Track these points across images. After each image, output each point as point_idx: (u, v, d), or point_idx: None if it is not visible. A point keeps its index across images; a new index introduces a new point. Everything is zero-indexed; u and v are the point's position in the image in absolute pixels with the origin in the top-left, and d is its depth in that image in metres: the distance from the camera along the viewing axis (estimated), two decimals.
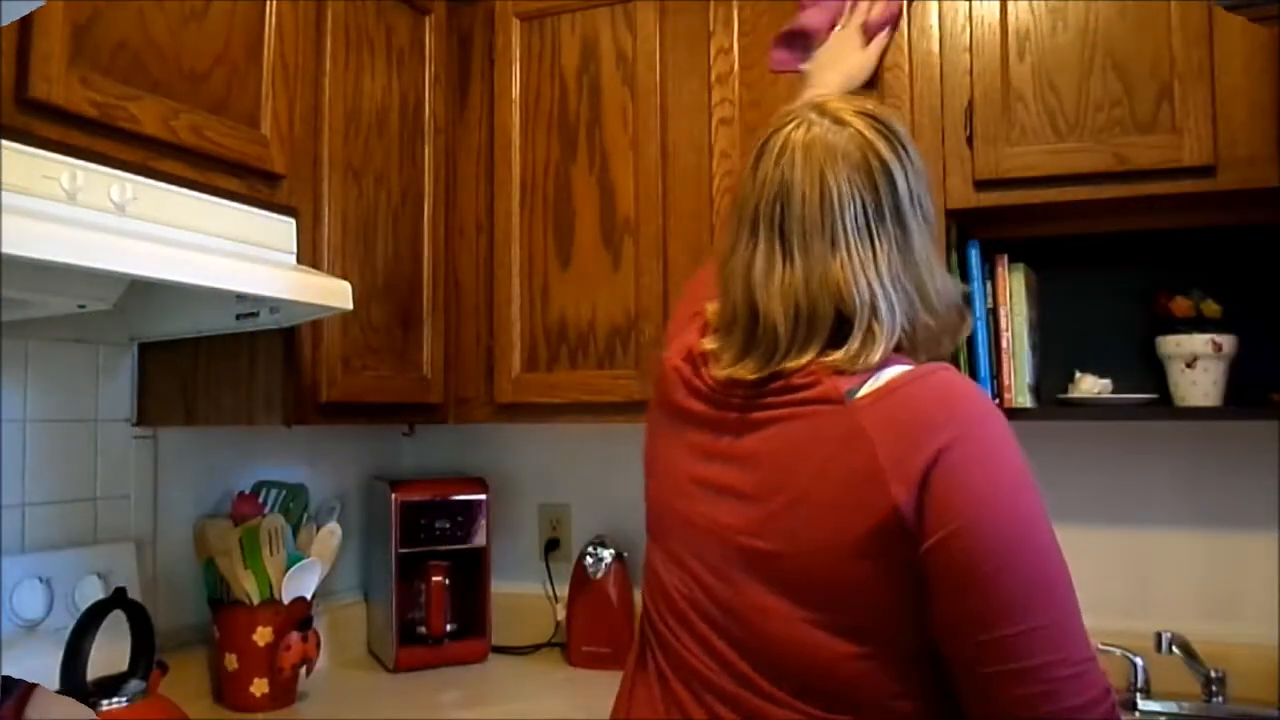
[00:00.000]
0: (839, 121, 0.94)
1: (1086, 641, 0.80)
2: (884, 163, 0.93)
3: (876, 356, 0.88)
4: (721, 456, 0.96)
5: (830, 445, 0.86)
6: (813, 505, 0.86)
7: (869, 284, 0.90)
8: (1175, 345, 1.61)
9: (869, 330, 0.89)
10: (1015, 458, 0.84)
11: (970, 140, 1.55)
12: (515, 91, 1.84)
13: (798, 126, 0.95)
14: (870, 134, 0.93)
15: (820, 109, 0.96)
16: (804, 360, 0.90)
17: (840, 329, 0.90)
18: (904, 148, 0.95)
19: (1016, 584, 0.79)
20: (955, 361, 1.59)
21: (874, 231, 0.91)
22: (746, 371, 0.93)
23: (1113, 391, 1.66)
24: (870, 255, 0.91)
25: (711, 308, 1.02)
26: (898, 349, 0.91)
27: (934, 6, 1.58)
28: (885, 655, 0.85)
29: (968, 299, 1.00)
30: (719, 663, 0.93)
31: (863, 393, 0.86)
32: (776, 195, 0.94)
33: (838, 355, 0.89)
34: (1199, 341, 1.58)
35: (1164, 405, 1.64)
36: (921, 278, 0.93)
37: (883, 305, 0.90)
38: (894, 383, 0.86)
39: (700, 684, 0.94)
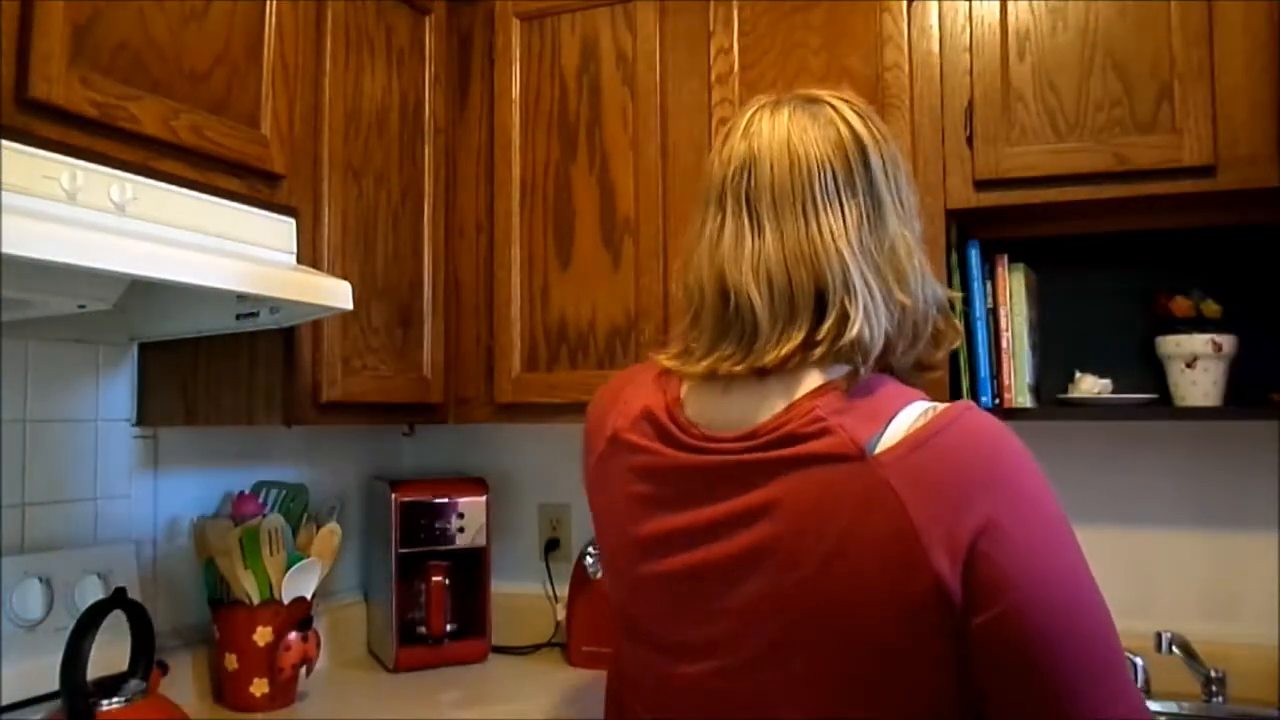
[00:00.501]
0: (812, 100, 0.90)
1: (1140, 699, 0.76)
2: (855, 133, 0.87)
3: (853, 333, 0.80)
4: (706, 531, 0.83)
5: (852, 510, 0.75)
6: (837, 586, 0.75)
7: (839, 252, 0.82)
8: (1175, 345, 1.61)
9: (842, 305, 0.82)
10: (1060, 512, 0.77)
11: (970, 140, 1.55)
12: (515, 91, 1.84)
13: (765, 106, 0.91)
14: (844, 109, 0.89)
15: (794, 94, 0.92)
16: (786, 349, 0.82)
17: (820, 309, 0.83)
18: (879, 131, 0.89)
19: (1084, 658, 0.73)
20: (955, 362, 1.59)
21: (843, 201, 0.84)
22: (729, 364, 0.84)
23: (1113, 391, 1.67)
24: (841, 225, 0.84)
25: (677, 298, 0.94)
26: (884, 351, 0.84)
27: (934, 6, 1.58)
28: None
29: (955, 308, 0.93)
30: None
31: (884, 445, 0.76)
32: (742, 166, 0.87)
33: (819, 343, 0.82)
34: (1199, 341, 1.58)
35: (1164, 405, 1.64)
36: (898, 256, 0.85)
37: (855, 276, 0.82)
38: (921, 434, 0.76)
39: None
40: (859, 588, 0.74)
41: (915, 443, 0.75)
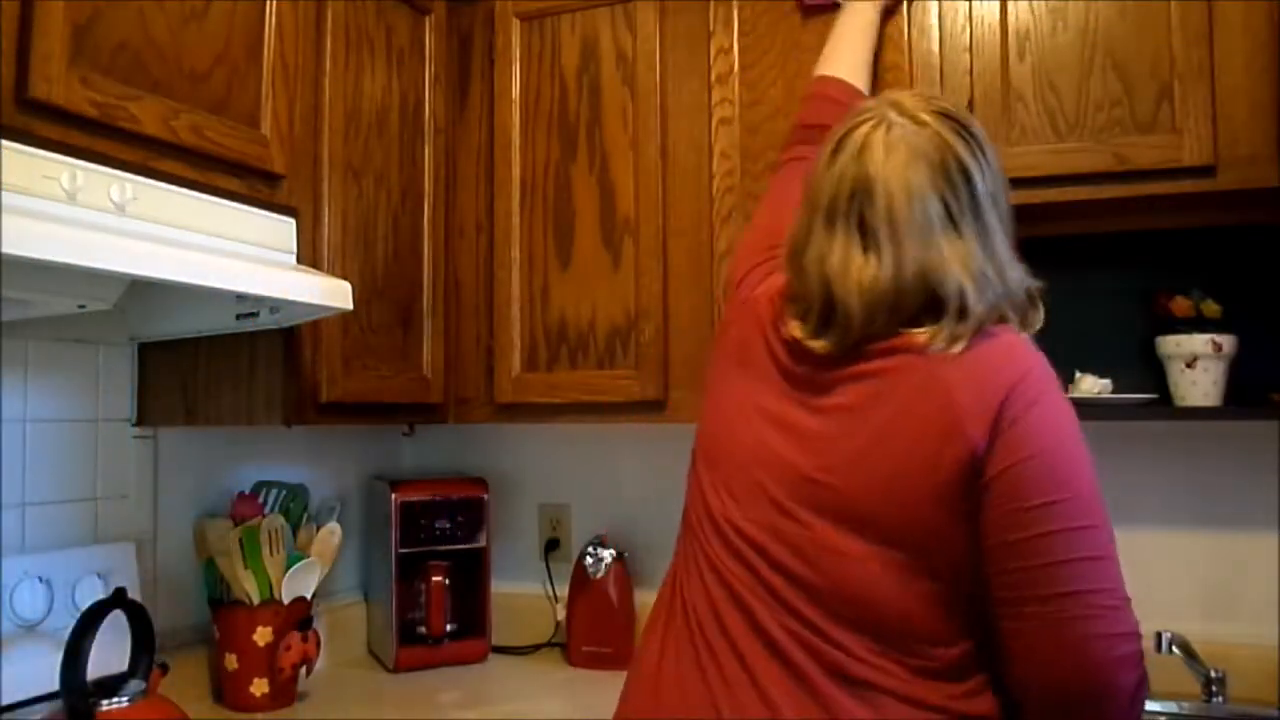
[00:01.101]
0: (918, 122, 0.97)
1: (1122, 582, 0.88)
2: (962, 164, 0.96)
3: (960, 347, 0.92)
4: (796, 399, 1.00)
5: (908, 391, 0.92)
6: (891, 447, 0.91)
7: (958, 275, 0.93)
8: (1175, 345, 1.61)
9: (961, 308, 0.93)
10: (1069, 408, 0.92)
11: None
12: (515, 91, 1.84)
13: (877, 125, 0.98)
14: (949, 135, 0.97)
15: (898, 108, 0.99)
16: (883, 340, 0.95)
17: (925, 312, 0.94)
18: (981, 149, 0.98)
19: (1069, 516, 0.86)
20: None
21: (958, 227, 0.95)
22: (823, 347, 0.97)
23: (1113, 391, 1.66)
24: (956, 249, 0.94)
25: (782, 279, 1.06)
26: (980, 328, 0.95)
27: (934, 6, 1.58)
28: (950, 595, 0.91)
29: (1042, 292, 1.05)
30: (774, 596, 0.95)
31: (938, 347, 0.92)
32: (854, 190, 0.96)
33: (921, 331, 0.94)
34: (1199, 341, 1.58)
35: (1164, 405, 1.64)
36: (1003, 268, 0.97)
37: (971, 296, 0.93)
38: (974, 340, 0.92)
39: (754, 615, 0.96)
40: (905, 451, 0.91)
41: (968, 344, 0.92)
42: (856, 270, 0.95)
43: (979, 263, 0.95)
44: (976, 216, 0.96)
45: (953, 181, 0.95)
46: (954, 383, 0.90)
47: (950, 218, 0.95)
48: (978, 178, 0.96)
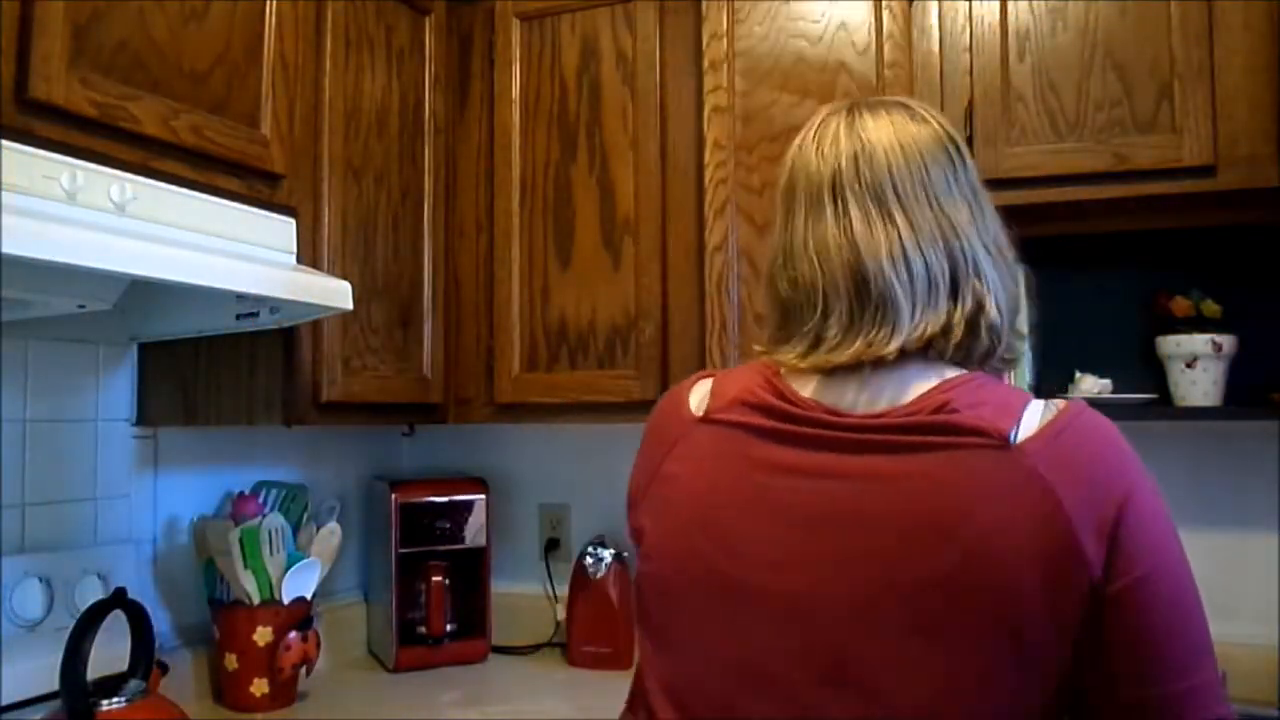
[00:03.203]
0: (897, 102, 0.92)
1: (1227, 700, 0.80)
2: (948, 131, 0.90)
3: (990, 315, 0.84)
4: (824, 474, 0.82)
5: (1002, 490, 0.77)
6: (992, 555, 0.76)
7: (968, 240, 0.86)
8: (1175, 345, 1.61)
9: (975, 289, 0.85)
10: (1163, 500, 0.81)
11: (970, 140, 1.54)
12: (515, 91, 1.84)
13: (851, 110, 0.92)
14: (924, 112, 0.91)
15: (865, 102, 0.93)
16: (929, 331, 0.83)
17: (954, 293, 0.85)
18: (961, 139, 0.93)
19: (1189, 637, 0.78)
20: None
21: (957, 193, 0.88)
22: (878, 346, 0.83)
23: (1113, 391, 1.66)
24: (966, 214, 0.87)
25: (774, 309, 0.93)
26: (990, 347, 0.86)
27: (934, 6, 1.58)
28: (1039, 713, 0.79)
29: (1033, 284, 0.99)
30: None
31: (1024, 436, 0.78)
32: (854, 160, 0.88)
33: (955, 326, 0.84)
34: (1199, 341, 1.58)
35: (1164, 405, 1.64)
36: (1001, 245, 0.90)
37: (984, 262, 0.86)
38: (1056, 425, 0.79)
39: None
40: (1008, 567, 0.75)
41: (1054, 433, 0.79)
42: (883, 239, 0.84)
43: (984, 235, 0.88)
44: (973, 190, 0.89)
45: (949, 153, 0.89)
46: (1060, 487, 0.76)
47: (950, 184, 0.87)
48: (968, 155, 0.91)
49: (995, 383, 0.86)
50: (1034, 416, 0.80)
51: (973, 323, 0.84)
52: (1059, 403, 0.82)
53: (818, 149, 0.90)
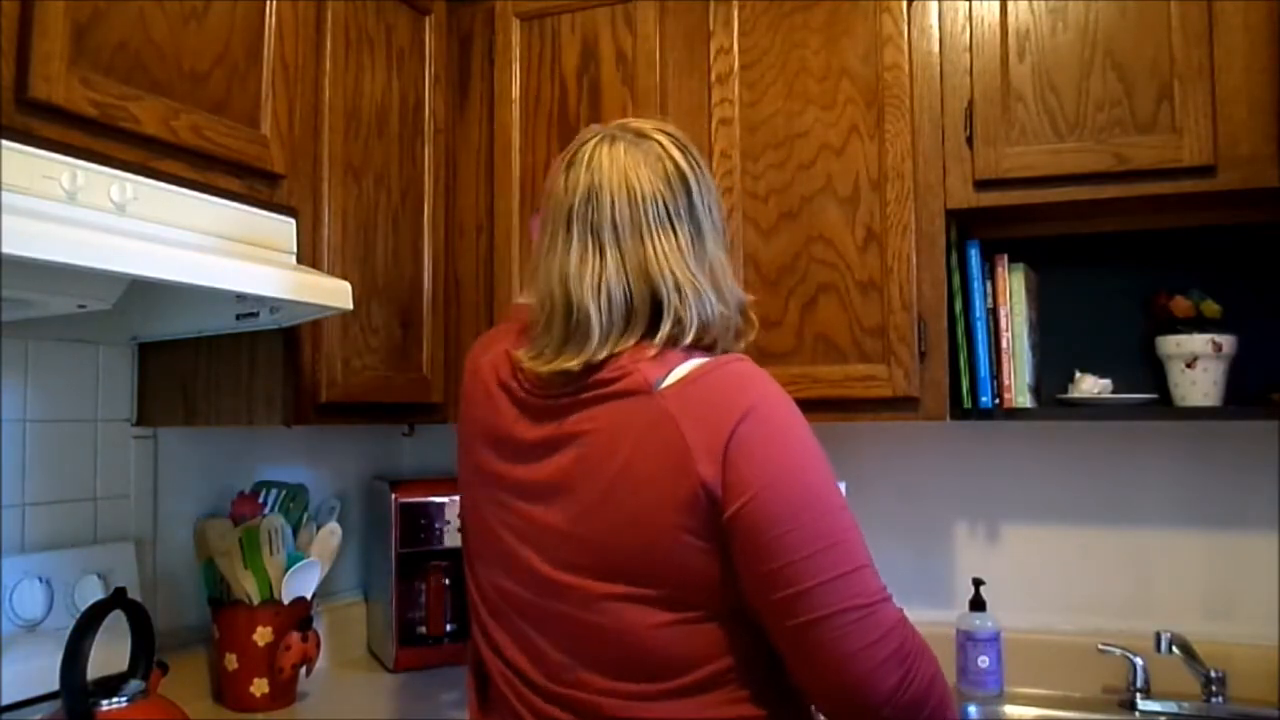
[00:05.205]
0: (641, 135, 1.05)
1: (875, 585, 0.91)
2: (679, 169, 1.03)
3: (689, 338, 0.98)
4: (535, 453, 1.02)
5: (640, 430, 0.94)
6: (628, 487, 0.94)
7: (673, 271, 0.99)
8: (1175, 345, 1.61)
9: (677, 315, 0.98)
10: (802, 433, 0.95)
11: (970, 140, 1.55)
12: (515, 91, 1.84)
13: (603, 140, 1.05)
14: (669, 145, 1.04)
15: (624, 127, 1.06)
16: (624, 346, 0.98)
17: (656, 316, 0.99)
18: (697, 161, 1.06)
19: (806, 543, 0.89)
20: (955, 360, 1.59)
21: (675, 226, 1.01)
22: (571, 363, 0.98)
23: (1113, 391, 1.67)
24: (675, 246, 1.00)
25: (528, 305, 1.08)
26: (699, 342, 0.99)
27: (934, 6, 1.58)
28: (699, 620, 0.94)
29: (755, 307, 1.11)
30: (538, 660, 1.01)
31: (668, 382, 0.95)
32: (587, 197, 1.02)
33: (653, 343, 0.97)
34: (1199, 341, 1.58)
35: (1164, 405, 1.64)
36: (715, 272, 1.03)
37: (688, 290, 0.99)
38: (695, 372, 0.95)
39: (524, 682, 1.02)
40: (644, 490, 0.93)
41: (692, 379, 0.95)
42: (590, 271, 0.99)
43: (692, 264, 1.00)
44: (692, 220, 1.02)
45: (671, 186, 1.02)
46: (683, 421, 0.92)
47: (668, 218, 1.01)
48: (694, 186, 1.03)
49: (695, 354, 0.99)
50: (684, 369, 0.96)
51: (674, 337, 0.98)
52: (725, 358, 0.98)
53: (566, 179, 1.05)
